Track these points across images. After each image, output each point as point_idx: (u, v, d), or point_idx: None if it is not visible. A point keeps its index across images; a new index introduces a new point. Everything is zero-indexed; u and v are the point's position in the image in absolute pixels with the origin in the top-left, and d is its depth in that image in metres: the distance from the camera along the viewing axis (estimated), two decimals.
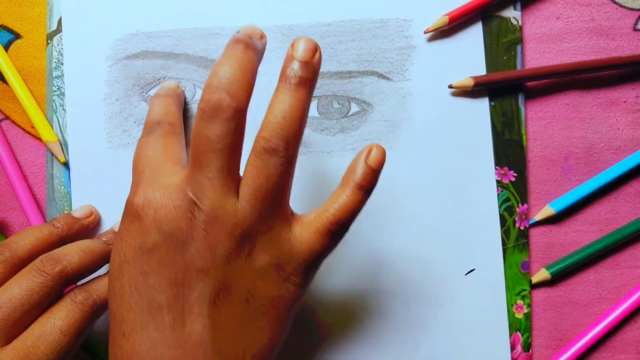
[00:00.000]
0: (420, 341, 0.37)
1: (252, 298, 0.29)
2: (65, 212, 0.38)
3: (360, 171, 0.29)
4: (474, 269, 0.38)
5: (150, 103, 0.35)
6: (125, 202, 0.29)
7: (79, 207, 0.37)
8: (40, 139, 0.39)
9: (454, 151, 0.38)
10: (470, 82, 0.37)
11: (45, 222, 0.38)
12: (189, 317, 0.28)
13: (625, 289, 0.38)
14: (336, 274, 0.38)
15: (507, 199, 0.38)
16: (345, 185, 0.29)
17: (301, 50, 0.28)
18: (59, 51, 0.38)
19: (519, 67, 0.38)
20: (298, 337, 0.37)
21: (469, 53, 0.38)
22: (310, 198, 0.38)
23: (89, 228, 0.37)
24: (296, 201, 0.37)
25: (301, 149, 0.38)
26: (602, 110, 0.38)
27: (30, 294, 0.31)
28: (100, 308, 0.32)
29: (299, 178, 0.38)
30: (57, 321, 0.31)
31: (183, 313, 0.28)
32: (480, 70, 0.38)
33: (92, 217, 0.37)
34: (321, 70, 0.38)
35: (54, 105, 0.38)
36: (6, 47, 0.39)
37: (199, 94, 0.38)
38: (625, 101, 0.38)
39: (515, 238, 0.38)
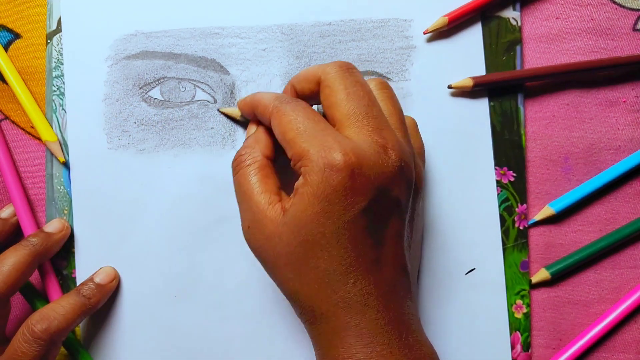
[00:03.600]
0: None
1: (415, 222, 0.33)
2: (65, 212, 0.38)
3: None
4: (474, 269, 0.38)
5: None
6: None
7: (51, 221, 0.37)
8: (40, 139, 0.39)
9: (454, 151, 0.38)
10: (470, 83, 0.37)
11: (38, 225, 0.38)
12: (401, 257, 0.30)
13: (624, 289, 0.38)
14: None
15: (507, 199, 0.38)
16: None
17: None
18: (59, 51, 0.38)
19: (518, 67, 0.38)
20: (299, 337, 0.37)
21: (468, 53, 0.38)
22: None
23: (61, 243, 0.37)
24: None
25: None
26: (601, 110, 0.38)
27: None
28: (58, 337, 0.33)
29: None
30: None
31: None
32: (480, 70, 0.38)
33: (64, 231, 0.37)
34: None
35: (53, 105, 0.38)
36: (6, 47, 0.39)
37: (199, 94, 0.38)
38: (624, 101, 0.38)
39: (515, 238, 0.38)
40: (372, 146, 0.29)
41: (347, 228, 0.28)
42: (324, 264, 0.28)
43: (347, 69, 0.31)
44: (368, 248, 0.29)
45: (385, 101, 0.32)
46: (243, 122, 0.38)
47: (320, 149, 0.28)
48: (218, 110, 0.38)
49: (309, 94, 0.32)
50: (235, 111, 0.37)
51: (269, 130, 0.33)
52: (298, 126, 0.29)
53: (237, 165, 0.32)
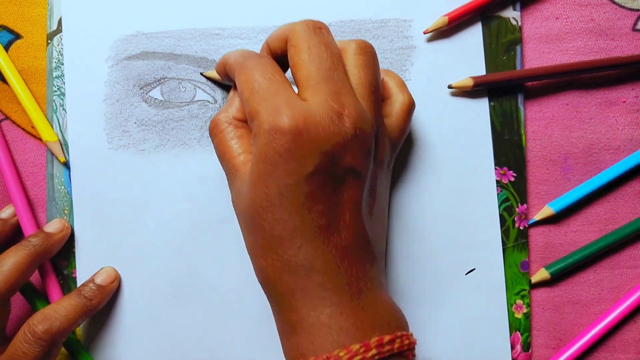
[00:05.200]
0: (420, 341, 0.37)
1: (377, 192, 0.32)
2: (66, 212, 0.38)
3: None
4: (474, 269, 0.38)
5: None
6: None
7: (51, 221, 0.37)
8: (40, 139, 0.39)
9: (454, 151, 0.38)
10: (470, 82, 0.37)
11: (38, 225, 0.38)
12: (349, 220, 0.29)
13: (624, 289, 0.38)
14: None
15: (507, 199, 0.38)
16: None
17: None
18: (59, 51, 0.38)
19: (518, 67, 0.38)
20: None
21: (468, 53, 0.38)
22: None
23: (61, 243, 0.37)
24: None
25: None
26: (601, 110, 0.39)
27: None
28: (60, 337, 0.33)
29: None
30: None
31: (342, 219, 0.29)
32: (480, 70, 0.38)
33: (65, 231, 0.37)
34: None
35: (54, 105, 0.38)
36: (6, 47, 0.39)
37: (199, 94, 0.38)
38: (624, 101, 0.39)
39: (515, 238, 0.38)
40: (326, 111, 0.28)
41: (290, 192, 0.27)
42: (268, 226, 0.28)
43: (315, 28, 0.30)
44: (316, 214, 0.28)
45: (358, 68, 0.30)
46: (227, 86, 0.38)
47: (269, 112, 0.27)
48: (201, 74, 0.38)
49: (281, 52, 0.31)
50: (216, 74, 0.37)
51: None
52: (253, 85, 0.29)
53: (213, 130, 0.33)
